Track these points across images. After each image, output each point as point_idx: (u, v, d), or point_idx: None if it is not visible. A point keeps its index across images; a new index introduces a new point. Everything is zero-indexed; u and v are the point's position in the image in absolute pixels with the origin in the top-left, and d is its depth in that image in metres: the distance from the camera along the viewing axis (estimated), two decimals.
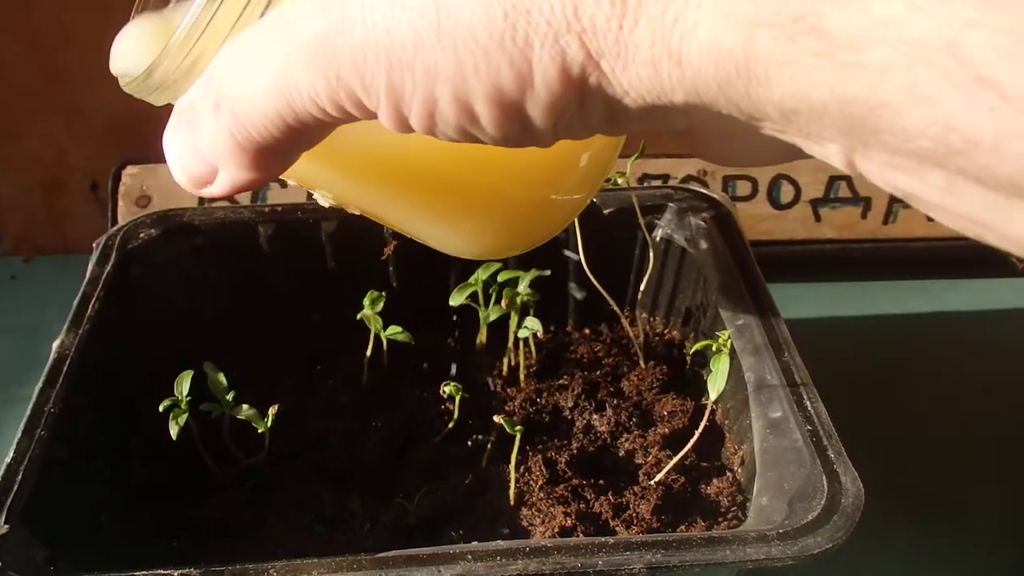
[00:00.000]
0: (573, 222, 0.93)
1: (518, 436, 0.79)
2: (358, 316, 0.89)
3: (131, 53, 0.52)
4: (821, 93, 0.33)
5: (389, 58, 0.37)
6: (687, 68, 0.35)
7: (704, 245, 0.93)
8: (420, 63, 0.37)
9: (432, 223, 0.57)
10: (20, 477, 0.69)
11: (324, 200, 0.59)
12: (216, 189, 0.45)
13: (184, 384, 0.78)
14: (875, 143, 0.33)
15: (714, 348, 0.81)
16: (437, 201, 0.54)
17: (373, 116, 0.40)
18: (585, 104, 0.38)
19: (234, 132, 0.42)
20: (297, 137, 0.42)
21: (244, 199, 1.22)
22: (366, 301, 0.88)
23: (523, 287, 0.89)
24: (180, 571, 0.63)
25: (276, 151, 0.43)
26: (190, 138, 0.44)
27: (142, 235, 0.93)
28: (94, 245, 0.92)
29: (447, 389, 0.84)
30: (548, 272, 0.91)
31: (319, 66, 0.39)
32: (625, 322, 0.98)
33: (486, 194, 0.54)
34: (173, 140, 0.46)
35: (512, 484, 0.81)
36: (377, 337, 0.91)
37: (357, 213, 0.60)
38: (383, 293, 0.89)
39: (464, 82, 0.37)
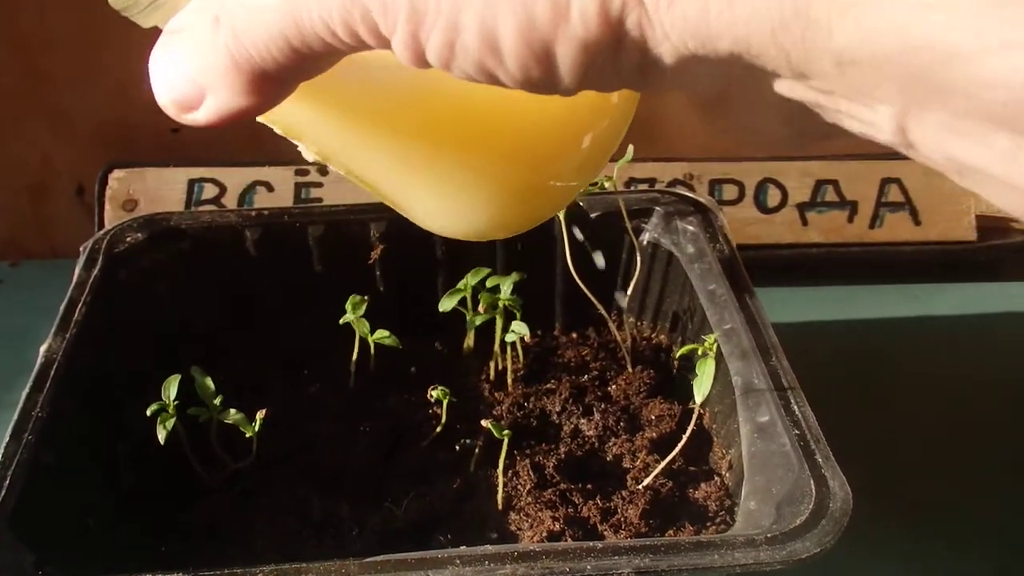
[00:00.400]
0: (560, 226, 0.94)
1: (506, 440, 0.79)
2: (341, 321, 0.89)
3: None
4: (888, 40, 0.31)
5: None
6: (739, 7, 0.32)
7: (691, 249, 0.93)
8: None
9: (421, 186, 0.52)
10: (8, 482, 0.69)
11: (308, 154, 0.54)
12: (201, 115, 0.43)
13: (171, 388, 0.78)
14: (936, 102, 0.31)
15: (700, 352, 0.81)
16: (433, 156, 0.51)
17: (386, 45, 0.37)
18: (620, 49, 0.35)
19: (232, 51, 0.40)
20: (300, 64, 0.39)
21: (231, 203, 1.22)
22: (348, 306, 0.88)
23: (505, 292, 0.89)
24: None
25: (274, 77, 0.40)
26: (181, 56, 0.42)
27: (129, 239, 0.93)
28: (81, 249, 0.92)
29: (435, 393, 0.84)
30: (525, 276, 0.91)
31: None
32: (612, 326, 0.98)
33: (488, 153, 0.50)
34: (161, 58, 0.43)
35: (500, 489, 0.81)
36: (364, 341, 0.91)
37: (341, 172, 0.55)
38: (365, 297, 0.89)
39: (493, 10, 0.35)
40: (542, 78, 0.36)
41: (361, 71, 0.42)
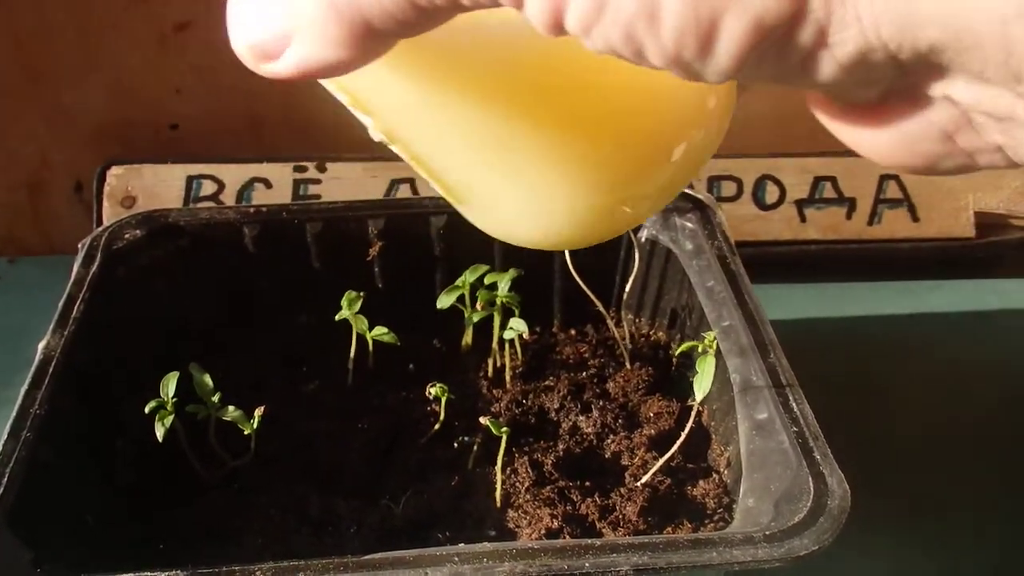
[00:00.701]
0: None
1: (504, 438, 0.79)
2: (337, 317, 0.89)
3: None
4: None
5: None
6: None
7: (689, 246, 0.93)
8: None
9: (497, 175, 0.48)
10: (6, 479, 0.69)
11: (375, 132, 0.48)
12: (281, 66, 0.38)
13: (170, 385, 0.78)
14: None
15: (700, 349, 0.81)
16: (520, 140, 0.46)
17: (519, 4, 0.34)
18: (793, 32, 0.32)
19: None
20: (412, 17, 0.35)
21: (230, 199, 1.22)
22: (344, 302, 0.88)
23: (503, 289, 0.89)
24: (166, 573, 0.64)
25: (378, 30, 0.36)
26: None
27: (127, 236, 0.93)
28: (79, 246, 0.91)
29: (433, 391, 0.84)
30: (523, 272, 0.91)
31: None
32: (611, 323, 0.98)
33: (581, 144, 0.45)
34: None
35: (498, 486, 0.81)
36: (362, 338, 0.91)
37: (403, 156, 0.49)
38: (361, 293, 0.89)
39: None
40: (694, 57, 0.33)
41: (465, 34, 0.39)
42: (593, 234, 0.50)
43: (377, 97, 0.46)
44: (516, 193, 0.48)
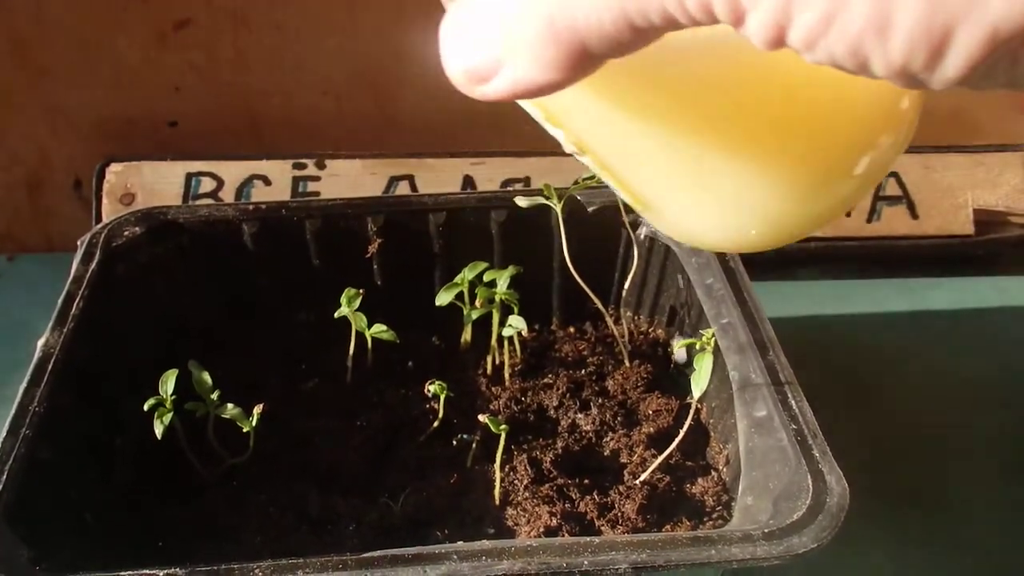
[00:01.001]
0: (558, 220, 0.94)
1: (503, 435, 0.79)
2: (336, 314, 0.89)
3: None
4: None
5: None
6: None
7: (686, 245, 0.93)
8: None
9: (694, 184, 0.48)
10: (5, 477, 0.69)
11: (567, 144, 0.49)
12: (492, 88, 0.40)
13: (169, 383, 0.78)
14: None
15: (698, 346, 0.81)
16: (720, 148, 0.46)
17: (737, 20, 0.34)
18: None
19: (555, 20, 0.36)
20: (628, 38, 0.36)
21: (229, 196, 1.22)
22: (343, 299, 0.88)
23: (502, 286, 0.89)
24: (165, 571, 0.63)
25: (591, 53, 0.37)
26: (482, 22, 0.39)
27: (126, 233, 0.93)
28: (78, 243, 0.92)
29: (432, 388, 0.84)
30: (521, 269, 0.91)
31: None
32: (610, 320, 0.98)
33: (782, 149, 0.46)
34: (457, 24, 0.41)
35: (497, 484, 0.81)
36: (361, 336, 0.91)
37: (592, 166, 0.50)
38: (360, 291, 0.89)
39: None
40: (921, 68, 0.32)
41: (664, 48, 0.38)
42: (783, 238, 0.50)
43: (572, 112, 0.47)
44: (706, 201, 0.48)
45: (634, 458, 0.85)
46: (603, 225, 0.98)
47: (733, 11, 0.33)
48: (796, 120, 0.44)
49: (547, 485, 0.82)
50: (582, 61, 0.37)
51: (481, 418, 0.79)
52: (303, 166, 1.24)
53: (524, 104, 0.45)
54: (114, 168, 1.23)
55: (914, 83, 0.33)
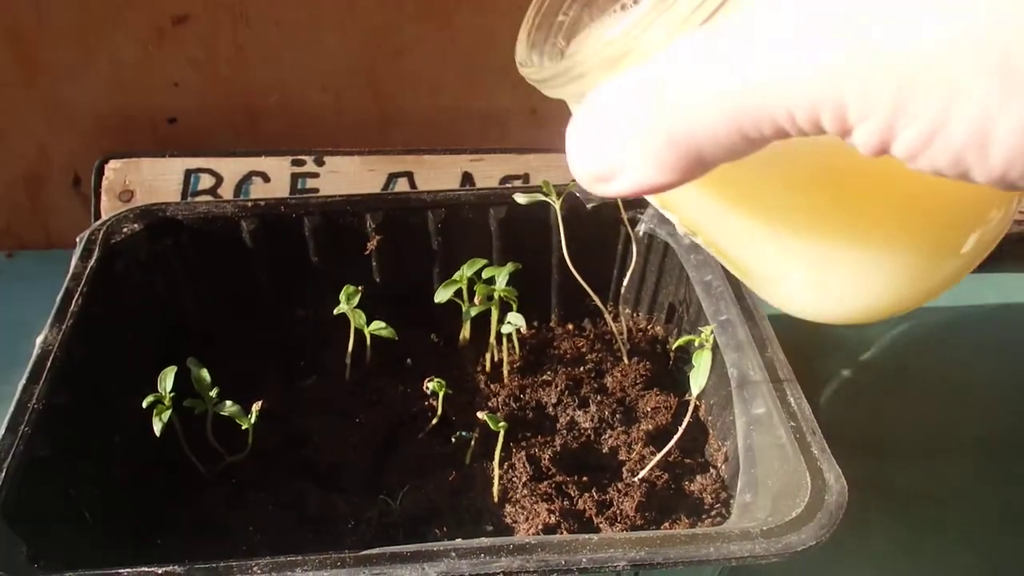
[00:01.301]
0: (557, 217, 0.94)
1: (502, 433, 0.79)
2: (335, 311, 0.89)
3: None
4: None
5: (914, 67, 0.33)
6: None
7: (687, 240, 0.93)
8: (951, 78, 0.33)
9: (803, 266, 0.50)
10: (3, 474, 0.69)
11: (679, 226, 0.54)
12: (616, 187, 0.42)
13: (167, 380, 0.78)
14: None
15: (697, 344, 0.81)
16: (828, 237, 0.48)
17: (843, 132, 0.36)
18: None
19: (673, 130, 0.39)
20: (740, 147, 0.38)
21: (227, 193, 1.21)
22: (342, 296, 0.88)
23: (500, 283, 0.89)
24: (164, 569, 0.63)
25: (704, 159, 0.39)
26: (606, 130, 0.42)
27: (125, 230, 0.93)
28: (77, 240, 0.92)
29: (431, 385, 0.84)
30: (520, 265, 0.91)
31: (805, 73, 0.35)
32: (608, 317, 0.98)
33: (888, 236, 0.48)
34: (582, 130, 0.43)
35: (496, 481, 0.81)
36: (360, 333, 0.91)
37: (704, 245, 0.54)
38: (359, 287, 0.89)
39: (995, 102, 0.32)
40: (1020, 177, 0.34)
41: (784, 143, 0.40)
42: (892, 313, 0.52)
43: (685, 201, 0.50)
44: (815, 281, 0.50)
45: (633, 455, 0.85)
46: (602, 222, 0.98)
47: (841, 126, 0.35)
48: (910, 204, 0.46)
49: (546, 482, 0.82)
50: (697, 166, 0.40)
51: (480, 415, 0.79)
52: (302, 163, 1.23)
53: None
54: (113, 164, 1.23)
55: (1015, 188, 0.35)
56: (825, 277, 0.50)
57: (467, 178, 1.23)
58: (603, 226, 0.98)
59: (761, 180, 0.47)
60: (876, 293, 0.50)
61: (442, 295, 0.90)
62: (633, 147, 0.40)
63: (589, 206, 0.97)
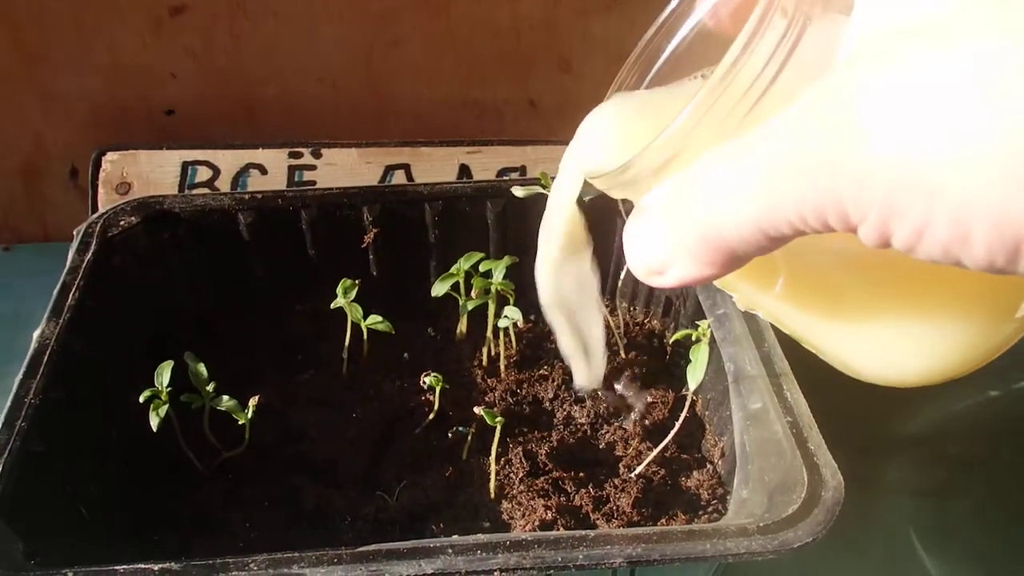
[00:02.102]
0: None
1: (498, 428, 0.79)
2: (332, 305, 0.89)
3: (600, 145, 0.60)
4: None
5: (894, 175, 0.37)
6: None
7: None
8: (927, 183, 0.37)
9: (851, 337, 0.56)
10: (0, 469, 0.69)
11: (738, 301, 0.60)
12: (666, 279, 0.48)
13: (164, 375, 0.78)
14: None
15: (694, 338, 0.81)
16: (866, 314, 0.54)
17: (851, 229, 0.40)
18: None
19: (707, 232, 0.44)
20: (764, 244, 0.43)
21: (225, 185, 1.21)
22: (339, 290, 0.88)
23: (497, 277, 0.89)
24: (160, 565, 0.63)
25: (737, 255, 0.45)
26: (656, 231, 0.47)
27: (122, 223, 0.93)
28: (74, 233, 0.91)
29: (428, 380, 0.84)
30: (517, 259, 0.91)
31: (813, 180, 0.39)
32: (605, 311, 0.98)
33: (920, 313, 0.52)
34: (638, 231, 0.49)
35: (492, 477, 0.81)
36: (357, 326, 0.90)
37: (765, 317, 0.60)
38: (356, 281, 0.88)
39: (967, 205, 0.36)
40: (1005, 265, 0.38)
41: (807, 245, 0.45)
42: (944, 378, 0.55)
43: (739, 283, 0.56)
44: (866, 349, 0.55)
45: (629, 451, 0.85)
46: (599, 215, 0.97)
47: (846, 226, 0.40)
48: (939, 290, 0.50)
49: (542, 478, 0.82)
50: (732, 260, 0.45)
51: (476, 410, 0.79)
52: (299, 155, 1.23)
53: None
54: (110, 157, 1.22)
55: (1007, 273, 0.38)
56: (879, 344, 0.54)
57: (464, 170, 1.23)
58: (600, 219, 0.98)
59: (810, 259, 0.52)
60: (929, 359, 0.53)
61: (439, 289, 0.90)
62: (676, 248, 0.46)
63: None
